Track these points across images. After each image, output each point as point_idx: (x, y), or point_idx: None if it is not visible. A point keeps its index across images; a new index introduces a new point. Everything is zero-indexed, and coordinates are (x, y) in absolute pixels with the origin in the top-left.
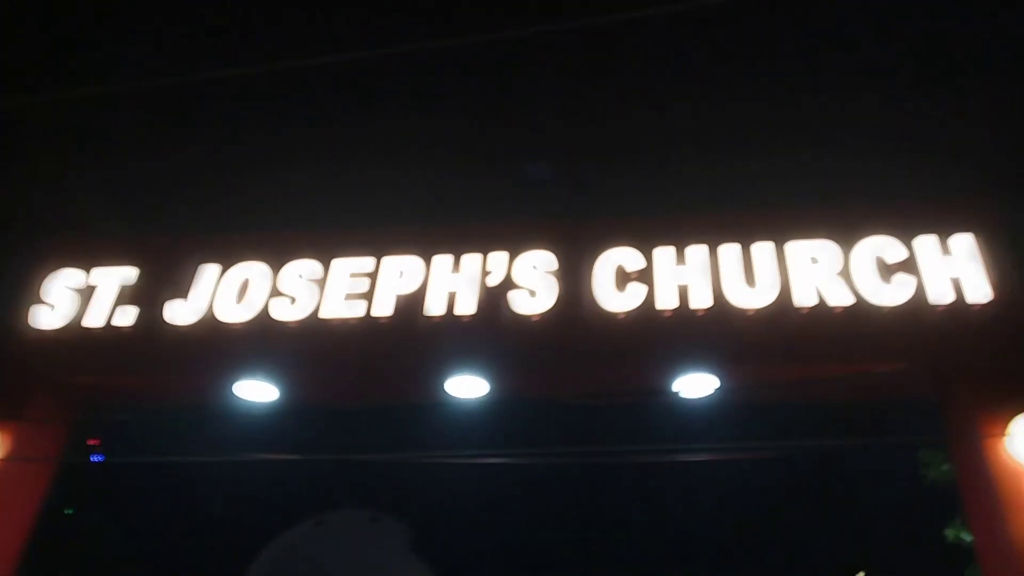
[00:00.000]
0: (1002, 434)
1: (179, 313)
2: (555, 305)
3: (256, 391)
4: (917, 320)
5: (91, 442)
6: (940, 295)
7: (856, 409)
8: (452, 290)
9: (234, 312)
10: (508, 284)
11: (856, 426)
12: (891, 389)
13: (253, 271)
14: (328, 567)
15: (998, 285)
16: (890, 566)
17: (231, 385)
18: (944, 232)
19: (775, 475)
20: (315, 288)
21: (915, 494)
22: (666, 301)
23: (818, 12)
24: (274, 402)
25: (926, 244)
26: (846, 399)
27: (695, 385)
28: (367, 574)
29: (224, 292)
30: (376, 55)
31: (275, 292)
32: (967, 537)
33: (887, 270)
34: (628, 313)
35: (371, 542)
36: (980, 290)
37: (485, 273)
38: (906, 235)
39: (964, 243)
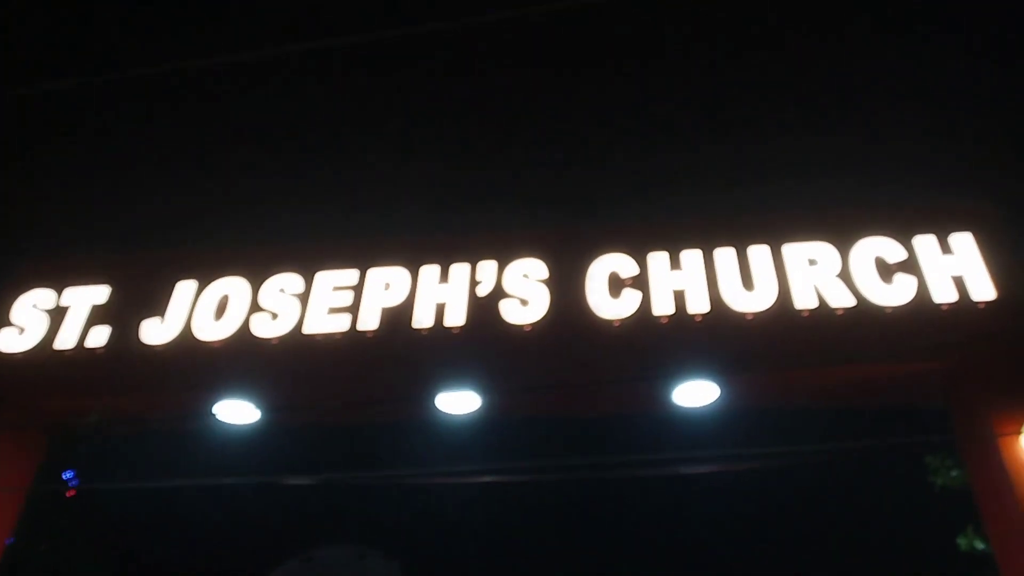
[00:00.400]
0: (1017, 432)
1: (154, 332)
2: (548, 313)
3: (237, 412)
4: (922, 319)
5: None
6: (944, 294)
7: (862, 416)
8: (440, 301)
9: (212, 330)
10: (499, 293)
11: (862, 433)
12: (898, 391)
13: (232, 287)
14: None
15: (1001, 282)
16: None
17: (210, 406)
18: (942, 232)
19: (779, 486)
20: (297, 303)
21: (925, 502)
22: (663, 307)
23: (815, 16)
24: (255, 423)
25: (925, 244)
26: (852, 404)
27: (695, 393)
28: None
29: (202, 309)
30: (354, 46)
31: (256, 308)
32: (980, 545)
33: (887, 270)
34: (624, 320)
35: None
36: (984, 287)
37: (474, 283)
38: (904, 236)
39: (964, 242)
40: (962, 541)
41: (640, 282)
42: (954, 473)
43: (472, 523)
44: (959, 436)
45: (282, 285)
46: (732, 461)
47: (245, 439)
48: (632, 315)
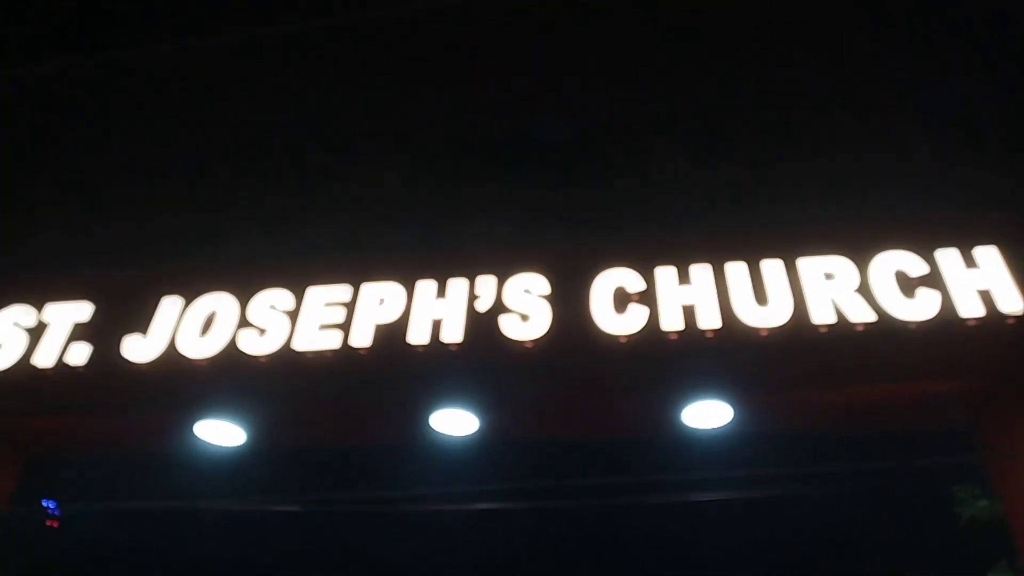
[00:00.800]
0: None
1: (138, 349)
2: (550, 329)
3: (222, 433)
4: (948, 335)
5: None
6: (970, 309)
7: (884, 441)
8: (437, 317)
9: (198, 347)
10: (498, 309)
11: (885, 458)
12: (923, 411)
13: (220, 303)
14: None
15: None
16: None
17: (193, 426)
18: (966, 245)
19: (795, 514)
20: (287, 319)
21: (951, 535)
22: (671, 322)
23: (831, 27)
24: (242, 445)
25: (948, 257)
26: (873, 427)
27: (707, 414)
28: None
29: (187, 326)
30: (346, 56)
31: (244, 324)
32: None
33: (909, 285)
34: (630, 336)
35: None
36: (1013, 302)
37: (473, 298)
38: (925, 249)
39: (989, 255)
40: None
41: (647, 297)
42: (982, 504)
43: (471, 552)
44: (990, 459)
45: (272, 301)
46: (745, 487)
47: (231, 462)
48: (639, 331)
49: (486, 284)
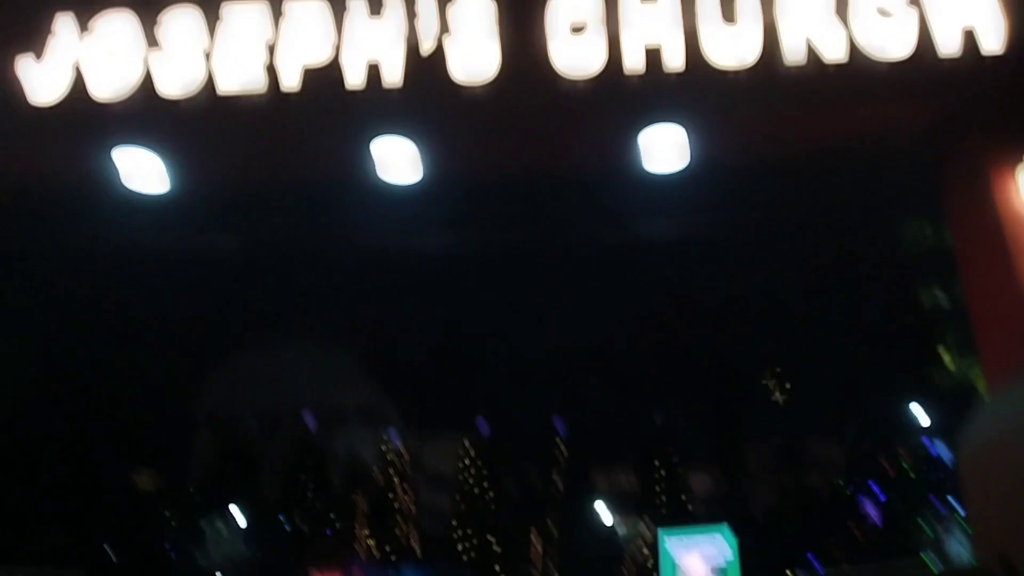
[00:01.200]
0: (1012, 179)
1: (38, 83)
2: (501, 68)
3: (146, 179)
4: (923, 66)
5: None
6: (948, 42)
7: (841, 173)
8: (373, 57)
9: (109, 85)
10: (442, 42)
11: (843, 190)
12: (888, 143)
13: (122, 25)
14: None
15: (1013, 30)
16: (872, 338)
17: (113, 169)
18: None
19: (757, 251)
20: (203, 53)
21: (901, 267)
22: (633, 61)
23: None
24: (168, 193)
25: None
26: (833, 160)
27: (667, 156)
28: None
29: (91, 57)
30: None
31: (153, 47)
32: (943, 297)
33: (887, 13)
34: (590, 78)
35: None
36: (994, 39)
37: (413, 32)
38: None
39: None
40: (924, 294)
41: (609, 30)
42: (928, 233)
43: (418, 290)
44: (945, 190)
45: (183, 25)
46: (706, 224)
47: (158, 210)
48: (599, 73)
49: (427, 8)
